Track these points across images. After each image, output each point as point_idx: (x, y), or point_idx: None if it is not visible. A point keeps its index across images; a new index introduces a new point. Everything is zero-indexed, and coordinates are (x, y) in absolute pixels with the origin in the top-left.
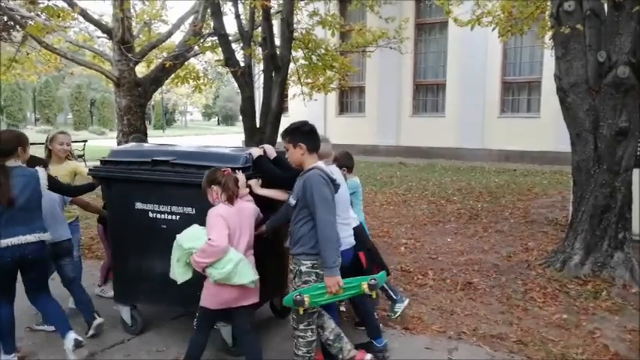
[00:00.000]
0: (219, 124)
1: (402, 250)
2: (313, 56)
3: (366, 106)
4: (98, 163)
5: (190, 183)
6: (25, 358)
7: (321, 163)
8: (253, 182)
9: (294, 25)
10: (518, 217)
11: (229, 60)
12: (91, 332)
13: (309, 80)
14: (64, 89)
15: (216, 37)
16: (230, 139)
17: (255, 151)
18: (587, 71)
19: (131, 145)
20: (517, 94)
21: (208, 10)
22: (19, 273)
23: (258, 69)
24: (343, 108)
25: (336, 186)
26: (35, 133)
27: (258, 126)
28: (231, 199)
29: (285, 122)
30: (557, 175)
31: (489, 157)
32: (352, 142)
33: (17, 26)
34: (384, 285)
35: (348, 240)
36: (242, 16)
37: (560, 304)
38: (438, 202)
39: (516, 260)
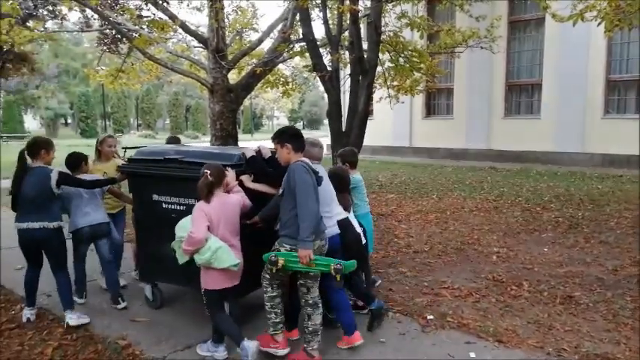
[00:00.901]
0: (304, 128)
1: (494, 258)
2: (400, 58)
3: (455, 109)
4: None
5: (192, 177)
6: (130, 346)
7: (305, 159)
8: (245, 177)
9: (382, 28)
10: (626, 228)
11: (317, 65)
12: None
13: (396, 83)
14: (162, 96)
15: (304, 43)
16: None
17: (249, 151)
18: None
19: (153, 146)
20: (624, 93)
21: (297, 17)
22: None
23: (344, 73)
24: (430, 110)
25: (318, 178)
26: (137, 138)
27: (344, 129)
28: (206, 198)
29: (370, 125)
30: None
31: (591, 161)
32: (439, 146)
33: (124, 39)
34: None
35: (331, 230)
36: (329, 21)
37: None
38: (532, 209)
39: (624, 274)
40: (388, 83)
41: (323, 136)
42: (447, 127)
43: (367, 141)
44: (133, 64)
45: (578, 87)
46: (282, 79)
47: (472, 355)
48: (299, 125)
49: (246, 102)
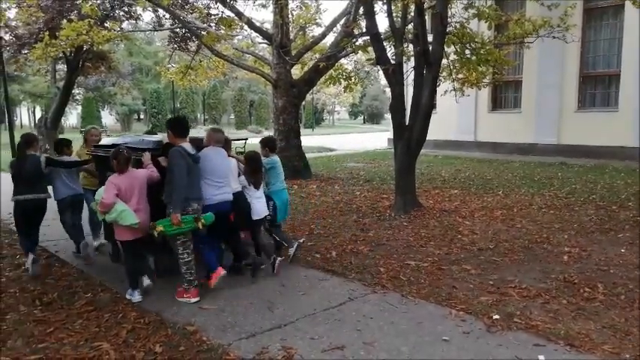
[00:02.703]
0: (364, 122)
1: (565, 258)
2: (467, 50)
3: (522, 102)
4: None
5: None
6: (197, 332)
7: (185, 144)
8: (161, 159)
9: (448, 19)
10: None
11: (380, 58)
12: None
13: (461, 75)
14: (227, 92)
15: (367, 37)
16: (375, 137)
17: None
18: None
19: (112, 137)
20: None
21: (360, 11)
22: None
23: (408, 66)
24: (497, 104)
25: (195, 159)
26: (204, 132)
27: (407, 123)
28: (120, 170)
29: (433, 119)
30: None
31: None
32: (505, 140)
33: (193, 37)
34: (275, 235)
35: (218, 197)
36: (393, 14)
37: None
38: (608, 207)
39: None
40: (453, 76)
41: (383, 130)
42: (515, 121)
43: (430, 135)
44: (201, 61)
45: None
46: (344, 74)
47: (541, 358)
48: (359, 120)
49: (308, 97)
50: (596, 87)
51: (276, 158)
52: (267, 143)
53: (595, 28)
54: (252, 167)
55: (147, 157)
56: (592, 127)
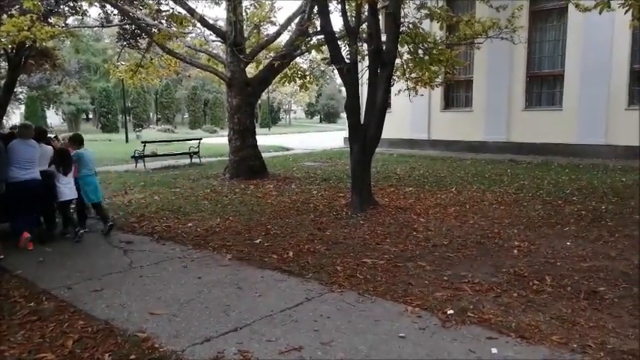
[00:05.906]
0: (321, 121)
1: (515, 252)
2: (420, 50)
3: (474, 101)
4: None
5: None
6: (149, 339)
7: None
8: None
9: (401, 19)
10: None
11: (335, 57)
12: None
13: (414, 75)
14: (181, 91)
15: (322, 36)
16: (332, 136)
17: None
18: None
19: None
20: None
21: (315, 9)
22: None
23: (362, 65)
24: (449, 103)
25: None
26: (156, 132)
27: (362, 122)
28: None
29: (388, 118)
30: None
31: (614, 153)
32: (458, 138)
33: (143, 34)
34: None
35: (25, 176)
36: (347, 13)
37: None
38: (554, 202)
39: None
40: (407, 75)
41: (340, 129)
42: (466, 120)
43: (385, 134)
44: (152, 59)
45: (601, 77)
46: (299, 72)
47: (494, 351)
48: (316, 119)
49: (264, 96)
50: (542, 87)
51: (81, 151)
52: (74, 140)
53: (541, 29)
54: (59, 158)
55: None
56: (538, 125)
